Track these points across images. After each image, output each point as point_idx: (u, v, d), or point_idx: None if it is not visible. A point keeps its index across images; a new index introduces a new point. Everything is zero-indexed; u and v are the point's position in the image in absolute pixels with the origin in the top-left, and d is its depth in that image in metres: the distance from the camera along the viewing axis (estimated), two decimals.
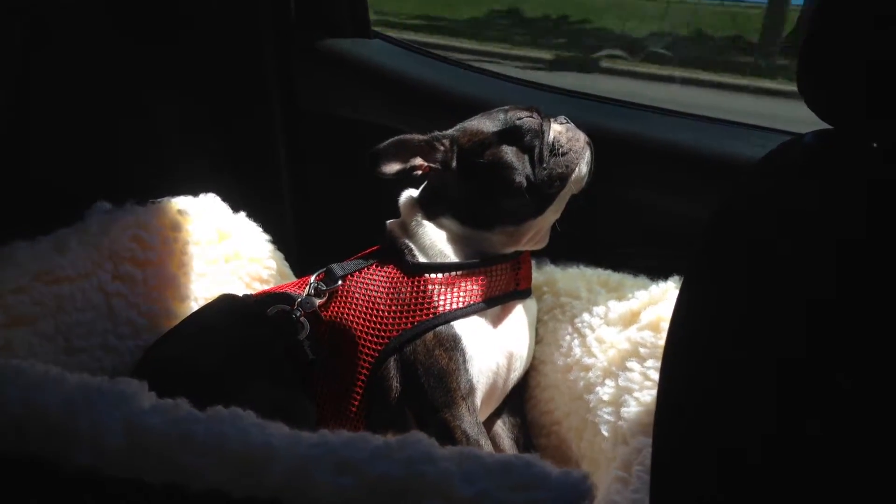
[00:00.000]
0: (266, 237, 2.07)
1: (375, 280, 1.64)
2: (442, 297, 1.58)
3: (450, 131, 1.71)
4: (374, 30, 2.29)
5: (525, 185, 1.63)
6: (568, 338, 1.70)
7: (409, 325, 1.57)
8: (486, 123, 1.69)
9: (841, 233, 0.79)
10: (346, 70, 2.19)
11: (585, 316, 1.70)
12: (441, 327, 1.56)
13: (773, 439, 0.80)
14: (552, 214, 1.69)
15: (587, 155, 1.69)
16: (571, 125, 1.71)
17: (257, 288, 1.99)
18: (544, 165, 1.64)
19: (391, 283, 1.62)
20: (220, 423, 1.14)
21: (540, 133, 1.66)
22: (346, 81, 2.20)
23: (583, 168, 1.68)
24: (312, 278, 1.69)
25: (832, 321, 0.78)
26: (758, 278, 0.85)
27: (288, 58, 2.22)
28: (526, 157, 1.64)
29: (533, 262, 1.77)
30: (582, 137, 1.69)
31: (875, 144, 0.83)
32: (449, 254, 1.65)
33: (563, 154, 1.65)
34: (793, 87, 0.89)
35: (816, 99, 0.86)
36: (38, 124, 1.82)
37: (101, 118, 1.97)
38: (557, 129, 1.68)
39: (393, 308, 1.59)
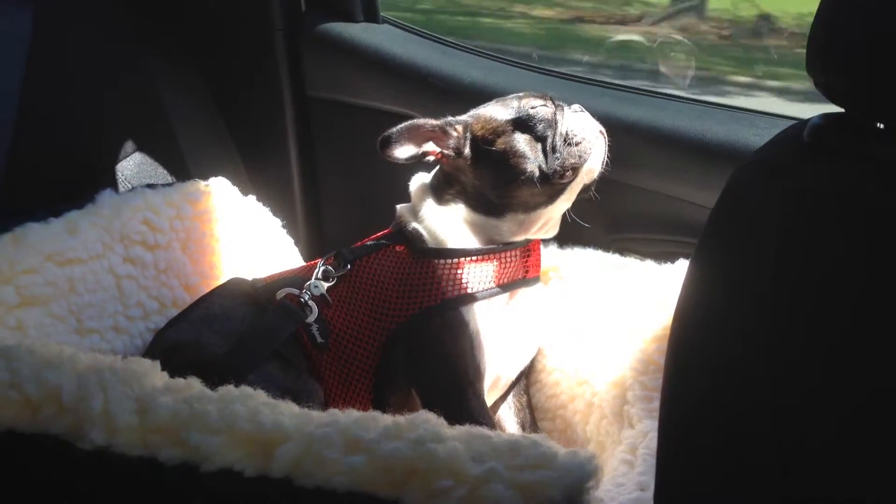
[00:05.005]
0: (275, 221, 2.08)
1: (384, 264, 1.64)
2: (450, 283, 1.59)
3: (463, 117, 1.70)
4: (383, 15, 2.29)
5: (537, 174, 1.62)
6: (574, 322, 1.70)
7: (416, 309, 1.58)
8: (499, 111, 1.68)
9: (847, 207, 0.80)
10: (356, 55, 2.19)
11: (592, 300, 1.70)
12: (449, 313, 1.57)
13: (792, 407, 0.81)
14: (563, 204, 1.68)
15: (600, 145, 1.67)
16: (586, 115, 1.69)
17: (266, 272, 2.00)
18: (556, 155, 1.63)
19: (400, 267, 1.62)
20: (232, 403, 1.15)
21: (553, 122, 1.65)
22: (356, 67, 2.20)
23: (595, 159, 1.66)
24: (321, 262, 1.69)
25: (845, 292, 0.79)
26: (767, 251, 0.86)
27: (297, 43, 2.22)
28: (539, 146, 1.63)
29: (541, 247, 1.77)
30: (596, 127, 1.68)
31: (881, 125, 0.84)
32: (459, 240, 1.65)
33: (576, 144, 1.64)
34: None
35: (825, 81, 0.87)
36: (49, 109, 1.83)
37: (111, 102, 1.98)
38: (571, 119, 1.67)
39: (401, 292, 1.60)
